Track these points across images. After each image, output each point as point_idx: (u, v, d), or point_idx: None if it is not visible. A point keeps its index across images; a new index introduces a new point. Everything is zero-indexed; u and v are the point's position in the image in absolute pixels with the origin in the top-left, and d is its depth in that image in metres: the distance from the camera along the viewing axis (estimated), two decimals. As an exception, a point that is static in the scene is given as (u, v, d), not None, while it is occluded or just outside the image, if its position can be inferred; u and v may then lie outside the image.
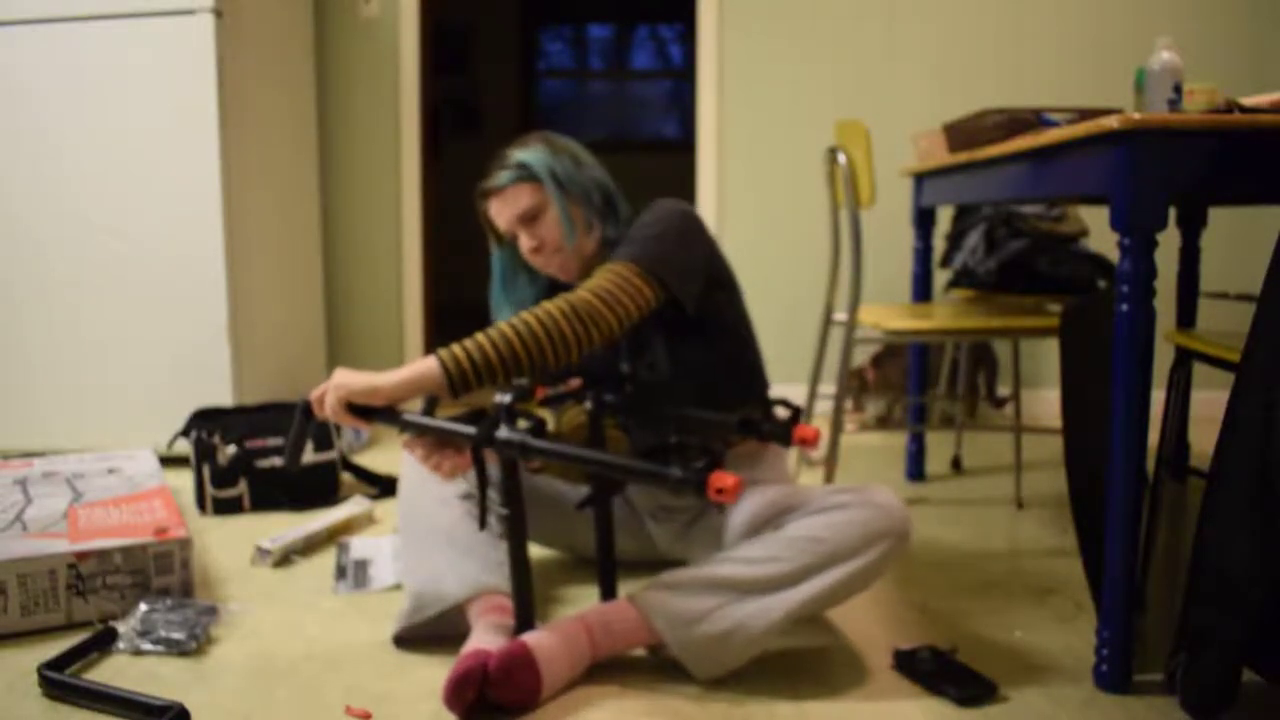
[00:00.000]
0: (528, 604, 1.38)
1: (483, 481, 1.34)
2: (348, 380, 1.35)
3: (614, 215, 1.62)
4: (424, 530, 1.52)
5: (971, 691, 1.32)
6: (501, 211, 1.58)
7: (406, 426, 1.36)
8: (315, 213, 3.24)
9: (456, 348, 1.35)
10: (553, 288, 1.71)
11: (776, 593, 1.35)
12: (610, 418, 1.53)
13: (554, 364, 1.38)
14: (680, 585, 1.39)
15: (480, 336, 1.36)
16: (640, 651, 1.45)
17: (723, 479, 1.13)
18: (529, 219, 1.56)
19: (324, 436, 2.35)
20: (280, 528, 2.10)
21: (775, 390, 3.32)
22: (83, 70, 2.55)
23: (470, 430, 1.31)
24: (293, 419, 2.37)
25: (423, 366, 1.35)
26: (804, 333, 3.34)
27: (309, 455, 2.31)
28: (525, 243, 1.58)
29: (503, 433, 1.29)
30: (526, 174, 1.56)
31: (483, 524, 1.35)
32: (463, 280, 6.30)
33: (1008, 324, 2.07)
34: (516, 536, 1.37)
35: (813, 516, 1.40)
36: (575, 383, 1.45)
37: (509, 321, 1.37)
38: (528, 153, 1.57)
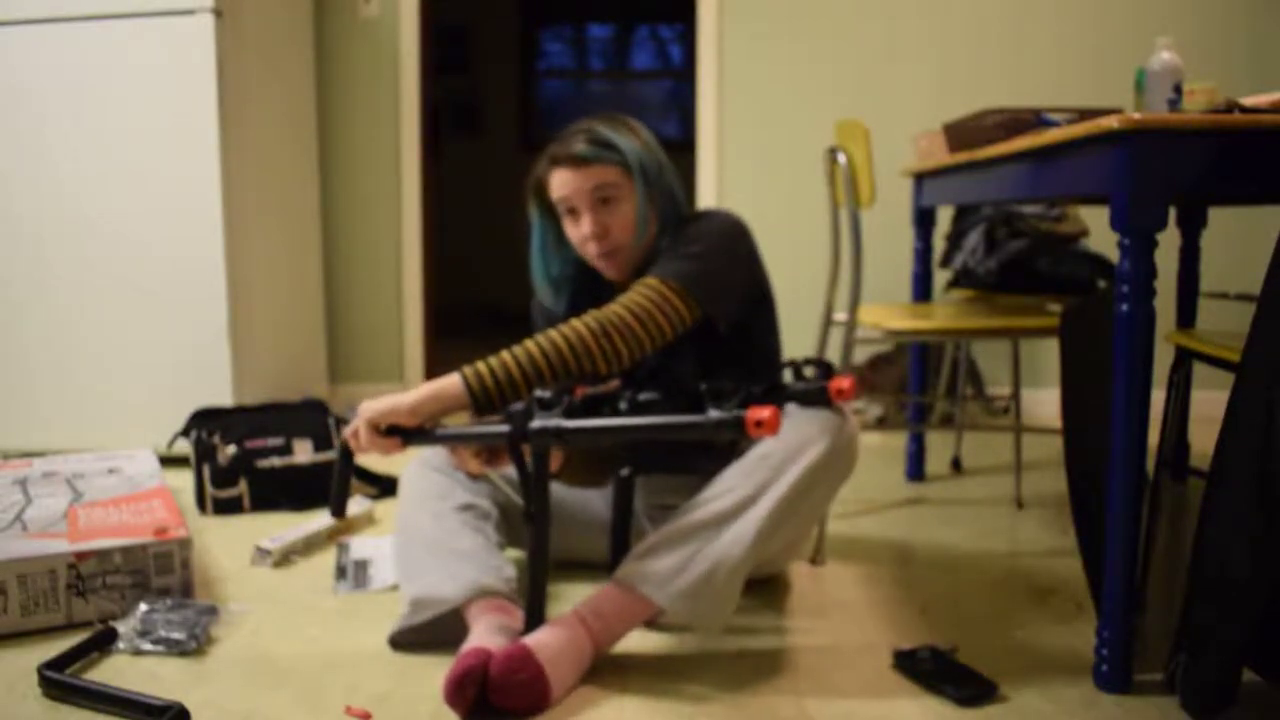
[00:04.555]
0: (541, 599, 1.38)
1: (524, 474, 1.34)
2: (372, 406, 1.36)
3: (673, 227, 1.59)
4: (420, 542, 1.52)
5: (971, 691, 1.32)
6: (575, 183, 1.51)
7: (440, 441, 1.37)
8: (315, 213, 3.24)
9: (481, 364, 1.37)
10: (582, 269, 1.69)
11: (741, 516, 1.37)
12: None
13: (582, 381, 1.39)
14: (652, 548, 1.39)
15: (506, 354, 1.37)
16: (639, 650, 1.45)
17: (759, 412, 1.14)
18: (605, 200, 1.52)
19: (324, 437, 2.34)
20: (280, 528, 2.10)
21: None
22: (83, 70, 2.55)
23: (504, 429, 1.32)
24: (300, 416, 2.39)
25: (445, 382, 1.36)
26: (804, 333, 3.34)
27: (309, 455, 2.31)
28: (588, 224, 1.52)
29: (536, 423, 1.30)
30: (618, 158, 1.52)
31: (528, 516, 1.35)
32: (463, 280, 6.31)
33: (1008, 324, 2.07)
34: (540, 529, 1.36)
35: (763, 441, 1.42)
36: (614, 384, 1.45)
37: (536, 339, 1.38)
38: (620, 137, 1.53)
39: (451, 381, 1.36)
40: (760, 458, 1.40)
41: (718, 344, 1.57)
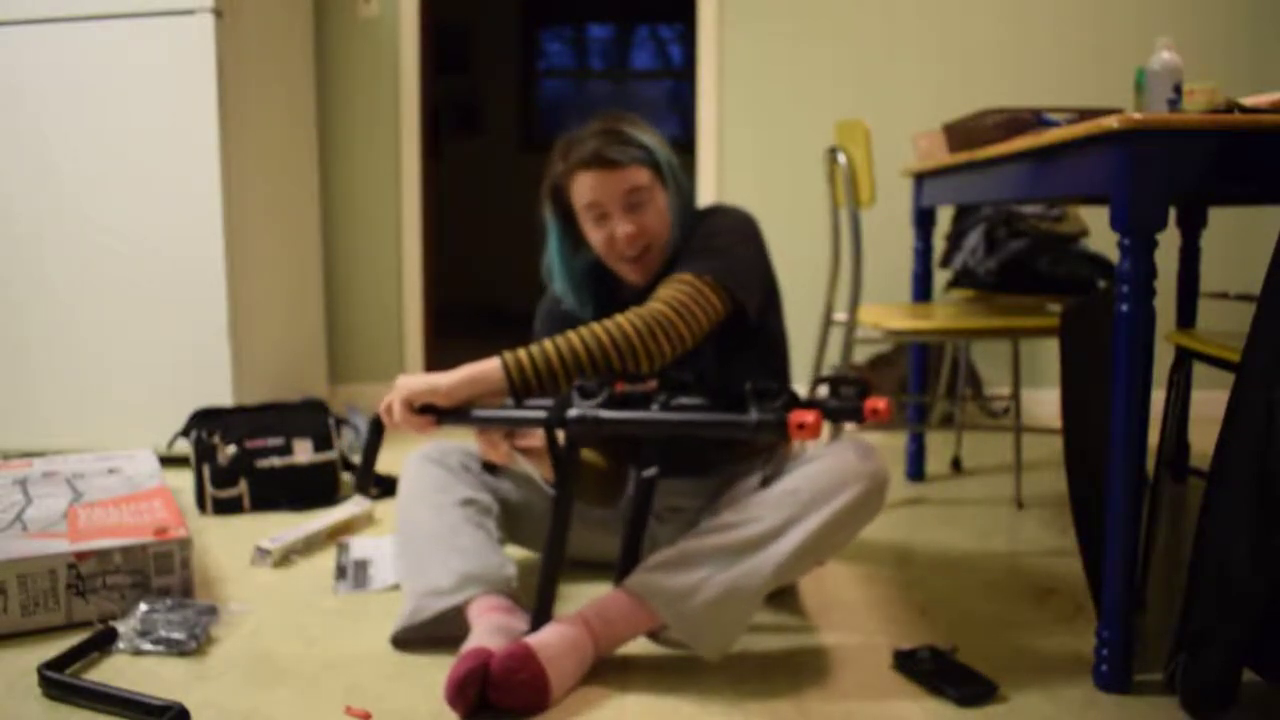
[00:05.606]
0: (550, 594, 1.37)
1: (557, 460, 1.34)
2: (408, 383, 1.36)
3: (687, 225, 1.58)
4: (422, 537, 1.52)
5: (971, 691, 1.32)
6: (607, 186, 1.48)
7: (477, 422, 1.37)
8: (315, 213, 3.24)
9: (522, 352, 1.36)
10: (595, 274, 1.66)
11: (763, 549, 1.36)
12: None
13: (621, 377, 1.38)
14: (669, 563, 1.39)
15: (548, 344, 1.37)
16: (640, 651, 1.45)
17: (803, 415, 1.14)
18: (637, 203, 1.49)
19: (324, 437, 2.34)
20: (280, 528, 2.10)
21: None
22: (83, 70, 2.55)
23: (541, 415, 1.32)
24: (300, 416, 2.39)
25: (485, 366, 1.36)
26: (804, 333, 3.34)
27: (309, 455, 2.31)
28: (624, 226, 1.49)
29: (573, 411, 1.30)
30: (649, 159, 1.50)
31: (559, 502, 1.35)
32: (463, 280, 6.30)
33: (1008, 324, 2.07)
34: (561, 520, 1.36)
35: (791, 474, 1.41)
36: (652, 384, 1.45)
37: (578, 332, 1.38)
38: (647, 136, 1.52)
39: (491, 366, 1.35)
40: (790, 491, 1.38)
41: (734, 332, 1.57)
